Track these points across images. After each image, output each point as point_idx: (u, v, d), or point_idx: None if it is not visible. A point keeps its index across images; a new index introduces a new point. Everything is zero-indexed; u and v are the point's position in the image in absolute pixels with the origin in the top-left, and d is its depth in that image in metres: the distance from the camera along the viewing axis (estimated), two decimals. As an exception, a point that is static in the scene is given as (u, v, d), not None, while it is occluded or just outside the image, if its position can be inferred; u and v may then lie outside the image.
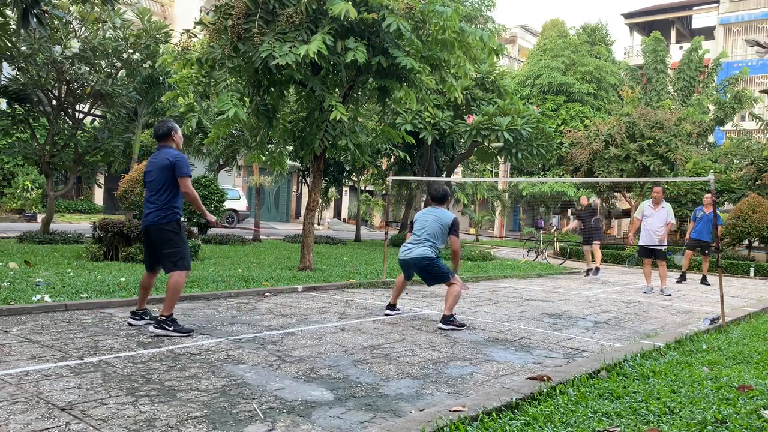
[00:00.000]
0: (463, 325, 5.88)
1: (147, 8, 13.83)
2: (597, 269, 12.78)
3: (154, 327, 4.84)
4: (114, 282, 7.00)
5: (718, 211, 11.97)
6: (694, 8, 43.98)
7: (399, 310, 6.62)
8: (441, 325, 5.81)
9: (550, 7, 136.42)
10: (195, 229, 14.59)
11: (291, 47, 7.89)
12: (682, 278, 12.36)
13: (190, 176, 4.99)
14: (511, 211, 41.59)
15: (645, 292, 10.10)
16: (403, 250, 6.23)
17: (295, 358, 4.32)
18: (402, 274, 6.45)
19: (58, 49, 11.29)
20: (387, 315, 6.41)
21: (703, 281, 12.35)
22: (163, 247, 4.92)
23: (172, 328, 4.83)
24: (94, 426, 2.84)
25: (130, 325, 5.06)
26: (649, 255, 10.27)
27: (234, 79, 8.74)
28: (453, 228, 6.12)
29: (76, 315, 5.51)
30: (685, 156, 19.84)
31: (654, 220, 9.98)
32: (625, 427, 2.97)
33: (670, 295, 9.73)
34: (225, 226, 6.57)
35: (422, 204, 20.16)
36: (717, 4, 41.95)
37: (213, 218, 5.33)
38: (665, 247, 10.20)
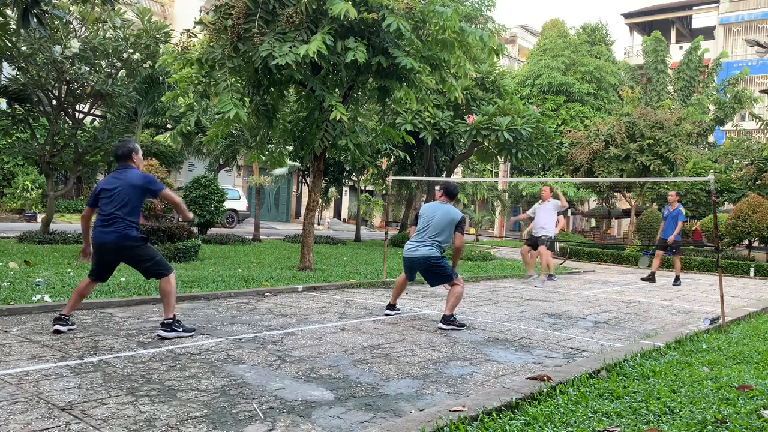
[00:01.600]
0: (463, 325, 5.88)
1: (147, 8, 13.82)
2: (551, 275, 11.20)
3: (164, 331, 4.78)
4: (114, 282, 7.00)
5: (682, 209, 11.92)
6: (694, 8, 43.99)
7: (399, 310, 6.61)
8: (441, 325, 5.81)
9: (550, 7, 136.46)
10: (195, 229, 14.59)
11: (291, 47, 7.90)
12: (651, 278, 11.93)
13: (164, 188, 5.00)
14: (511, 211, 41.60)
15: (526, 281, 10.75)
16: (408, 248, 6.20)
17: (295, 358, 4.32)
18: (403, 274, 6.42)
19: (58, 49, 11.29)
20: (387, 315, 6.41)
21: (675, 281, 11.77)
22: (139, 263, 4.92)
23: (181, 329, 4.83)
24: (94, 426, 2.84)
25: (57, 332, 4.69)
26: (533, 245, 10.99)
27: (234, 79, 8.74)
28: (460, 225, 6.06)
29: (76, 315, 5.50)
30: (685, 156, 19.85)
31: (541, 215, 10.79)
32: (625, 427, 2.97)
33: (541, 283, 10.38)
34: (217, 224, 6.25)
35: (422, 204, 20.14)
36: (717, 4, 41.96)
37: (190, 215, 5.26)
38: (548, 236, 10.79)
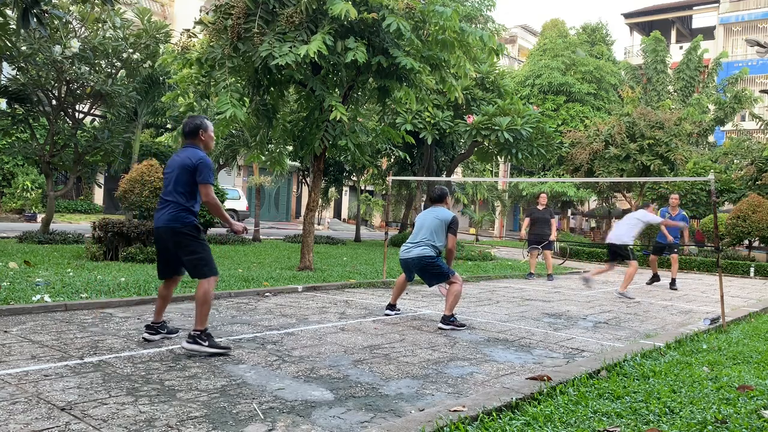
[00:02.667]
0: (463, 325, 5.88)
1: (147, 8, 13.83)
2: (550, 275, 11.68)
3: (188, 342, 4.30)
4: (114, 282, 7.00)
5: (684, 213, 11.84)
6: (694, 8, 44.02)
7: (399, 310, 6.62)
8: (441, 325, 5.82)
9: (550, 7, 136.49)
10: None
11: (291, 47, 7.90)
12: (655, 279, 11.73)
13: (213, 184, 4.48)
14: (511, 211, 41.60)
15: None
16: (403, 250, 6.29)
17: (295, 358, 4.32)
18: (403, 274, 6.45)
19: (58, 49, 11.29)
20: (387, 315, 6.41)
21: (672, 284, 11.32)
22: (182, 253, 4.41)
23: (207, 344, 4.29)
24: (94, 426, 2.84)
25: (145, 340, 4.52)
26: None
27: (234, 79, 8.74)
28: (451, 226, 6.11)
29: (76, 315, 5.51)
30: (685, 156, 19.85)
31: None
32: (625, 427, 2.97)
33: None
34: (245, 230, 5.02)
35: (422, 204, 20.14)
36: (717, 4, 41.98)
37: (239, 226, 4.71)
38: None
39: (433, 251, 6.07)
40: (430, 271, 6.08)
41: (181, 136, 4.71)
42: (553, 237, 11.61)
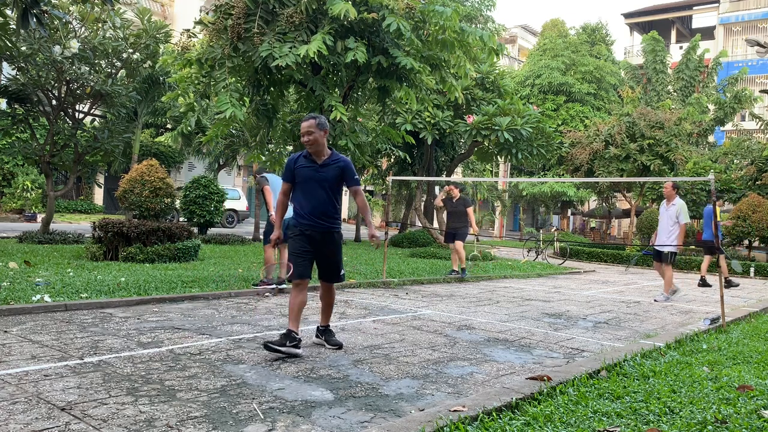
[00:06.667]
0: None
1: (147, 8, 13.83)
2: (463, 269, 10.87)
3: (322, 332, 4.89)
4: (114, 282, 7.00)
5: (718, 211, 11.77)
6: (694, 8, 44.04)
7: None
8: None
9: (550, 7, 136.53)
10: (195, 229, 14.59)
11: (291, 47, 7.91)
12: (705, 283, 11.82)
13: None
14: (511, 211, 41.60)
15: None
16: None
17: (295, 358, 4.32)
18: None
19: (58, 49, 11.29)
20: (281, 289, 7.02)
21: (704, 283, 11.93)
22: (332, 255, 4.74)
23: (323, 338, 4.87)
24: (94, 426, 2.84)
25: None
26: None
27: (234, 78, 8.74)
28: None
29: (76, 315, 5.51)
30: (685, 156, 19.85)
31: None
32: (625, 427, 2.97)
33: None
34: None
35: (422, 204, 20.13)
36: (717, 4, 42.00)
37: (378, 235, 4.89)
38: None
39: None
40: None
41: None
42: (472, 229, 10.97)
